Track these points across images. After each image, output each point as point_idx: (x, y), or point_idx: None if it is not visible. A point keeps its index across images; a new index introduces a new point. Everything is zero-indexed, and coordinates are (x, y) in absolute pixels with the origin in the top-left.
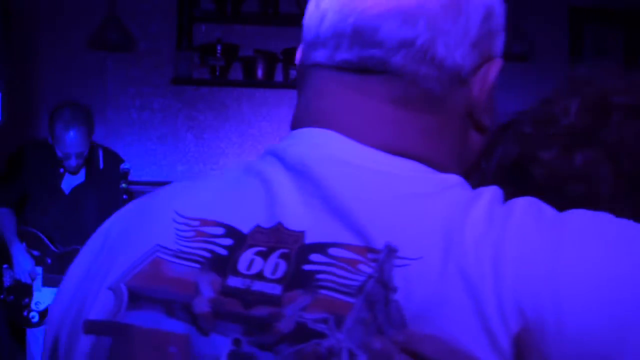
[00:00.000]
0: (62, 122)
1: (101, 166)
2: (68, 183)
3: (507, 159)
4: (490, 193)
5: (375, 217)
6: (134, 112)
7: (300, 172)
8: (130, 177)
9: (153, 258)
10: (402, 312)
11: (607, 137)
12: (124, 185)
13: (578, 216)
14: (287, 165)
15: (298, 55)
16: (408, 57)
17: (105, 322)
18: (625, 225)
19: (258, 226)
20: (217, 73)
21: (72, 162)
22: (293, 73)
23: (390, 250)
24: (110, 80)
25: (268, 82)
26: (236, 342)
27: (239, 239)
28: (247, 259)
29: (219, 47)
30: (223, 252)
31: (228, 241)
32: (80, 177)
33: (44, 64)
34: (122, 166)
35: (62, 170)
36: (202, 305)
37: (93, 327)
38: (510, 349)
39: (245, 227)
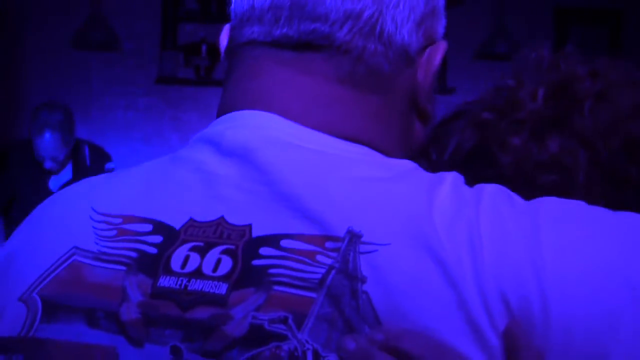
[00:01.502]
0: (37, 125)
1: (88, 163)
2: (55, 182)
3: (464, 148)
4: (453, 176)
5: (332, 202)
6: (118, 112)
7: (241, 157)
8: None
9: (71, 262)
10: (374, 305)
11: (581, 124)
12: None
13: (551, 202)
14: (224, 151)
15: (224, 34)
16: (354, 31)
17: (16, 339)
18: (601, 211)
19: (192, 219)
20: (202, 73)
21: (47, 165)
22: None
23: (354, 236)
24: (95, 80)
25: None
26: (175, 350)
27: (169, 235)
28: (180, 255)
29: (203, 47)
30: (152, 250)
31: (157, 238)
32: (67, 174)
33: (28, 64)
34: (107, 166)
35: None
36: (130, 312)
37: (2, 347)
38: (500, 344)
39: (176, 222)
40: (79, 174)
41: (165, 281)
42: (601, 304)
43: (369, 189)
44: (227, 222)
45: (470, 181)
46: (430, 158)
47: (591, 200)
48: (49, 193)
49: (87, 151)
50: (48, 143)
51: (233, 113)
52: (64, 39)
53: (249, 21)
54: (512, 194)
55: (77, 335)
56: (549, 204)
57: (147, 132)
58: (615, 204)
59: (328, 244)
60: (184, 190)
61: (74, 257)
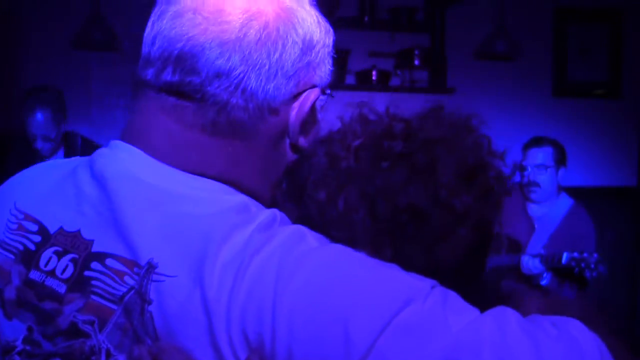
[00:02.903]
0: (28, 104)
1: (79, 154)
2: None
3: (299, 182)
4: (264, 217)
5: (146, 234)
6: (118, 112)
7: (100, 183)
8: None
9: None
10: (155, 323)
11: (371, 183)
12: None
13: (325, 252)
14: (93, 175)
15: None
16: (221, 87)
17: None
18: (357, 266)
19: (62, 228)
20: None
21: (38, 144)
22: None
23: (151, 266)
24: (95, 80)
25: None
26: (29, 329)
27: (45, 237)
28: (47, 256)
29: None
30: (32, 247)
31: (38, 238)
32: None
33: (28, 64)
34: None
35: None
36: (11, 293)
37: None
38: None
39: (52, 228)
40: None
41: (33, 274)
42: (314, 341)
43: (182, 225)
44: (81, 236)
45: (298, 216)
46: (281, 187)
47: (378, 251)
48: None
49: (79, 142)
50: (39, 120)
51: (116, 141)
52: (64, 39)
53: (146, 64)
54: (305, 238)
55: None
56: (319, 256)
57: None
58: (401, 255)
59: (135, 269)
60: (65, 202)
61: None
